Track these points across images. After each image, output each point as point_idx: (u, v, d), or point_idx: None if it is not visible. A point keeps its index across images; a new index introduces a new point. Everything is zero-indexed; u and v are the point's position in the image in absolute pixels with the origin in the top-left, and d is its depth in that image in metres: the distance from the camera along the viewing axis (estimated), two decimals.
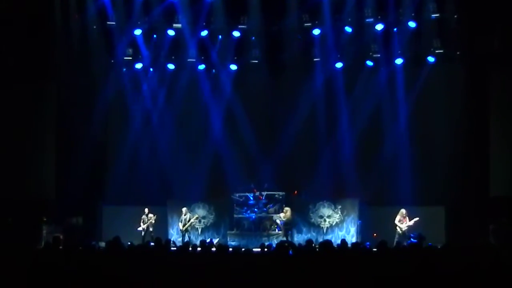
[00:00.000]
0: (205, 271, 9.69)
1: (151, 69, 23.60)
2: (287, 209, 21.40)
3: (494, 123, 21.41)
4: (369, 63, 22.81)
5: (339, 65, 22.91)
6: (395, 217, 20.13)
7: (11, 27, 21.35)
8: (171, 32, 22.63)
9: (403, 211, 20.20)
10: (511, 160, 21.05)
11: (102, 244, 18.59)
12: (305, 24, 22.37)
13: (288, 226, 21.27)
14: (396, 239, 19.46)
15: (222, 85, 23.65)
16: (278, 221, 21.51)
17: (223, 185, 23.03)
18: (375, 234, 20.35)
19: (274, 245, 14.58)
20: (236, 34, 22.66)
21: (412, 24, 21.73)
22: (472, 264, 9.51)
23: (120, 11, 22.20)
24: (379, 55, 22.52)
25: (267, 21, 22.42)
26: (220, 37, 22.97)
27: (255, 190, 22.31)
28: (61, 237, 15.78)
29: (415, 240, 17.45)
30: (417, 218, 19.90)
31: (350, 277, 9.31)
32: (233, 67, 23.43)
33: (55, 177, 22.26)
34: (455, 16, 21.36)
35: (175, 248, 15.47)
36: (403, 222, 20.05)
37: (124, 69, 23.43)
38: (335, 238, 20.91)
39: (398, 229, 20.01)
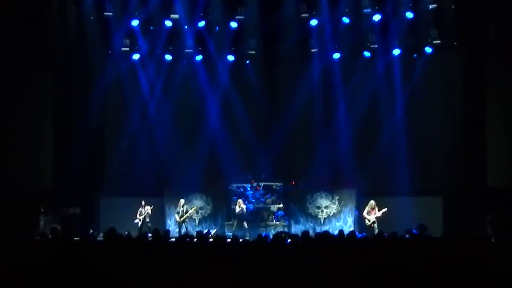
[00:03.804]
0: (202, 262, 9.70)
1: (148, 60, 23.53)
2: (240, 201, 21.51)
3: (491, 113, 21.42)
4: (367, 53, 22.79)
5: (336, 55, 22.90)
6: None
7: (8, 16, 21.26)
8: (168, 23, 22.56)
9: (372, 202, 19.94)
10: (508, 151, 21.08)
11: (100, 235, 18.57)
12: (303, 15, 22.33)
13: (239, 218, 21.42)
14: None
15: (219, 75, 23.59)
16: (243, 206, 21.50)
17: (221, 176, 23.02)
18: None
19: (271, 236, 14.60)
20: (234, 24, 22.62)
21: (409, 14, 21.73)
22: (469, 254, 9.54)
23: (117, 1, 22.15)
24: (376, 46, 22.49)
25: (264, 11, 22.37)
26: (217, 28, 22.92)
27: (252, 181, 22.37)
28: (59, 228, 15.77)
29: (416, 231, 17.38)
30: (385, 209, 19.68)
31: (347, 267, 9.33)
32: (230, 57, 23.40)
33: (52, 168, 22.19)
34: (453, 7, 21.37)
35: (173, 240, 15.47)
36: (371, 214, 19.82)
37: (121, 60, 23.36)
38: (333, 228, 20.98)
39: (366, 221, 19.83)
